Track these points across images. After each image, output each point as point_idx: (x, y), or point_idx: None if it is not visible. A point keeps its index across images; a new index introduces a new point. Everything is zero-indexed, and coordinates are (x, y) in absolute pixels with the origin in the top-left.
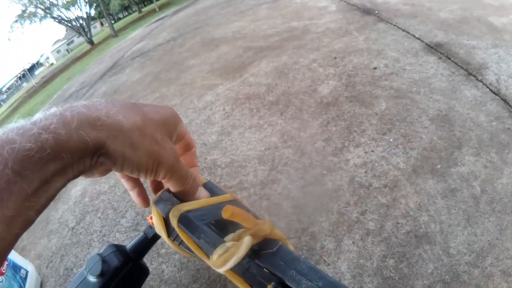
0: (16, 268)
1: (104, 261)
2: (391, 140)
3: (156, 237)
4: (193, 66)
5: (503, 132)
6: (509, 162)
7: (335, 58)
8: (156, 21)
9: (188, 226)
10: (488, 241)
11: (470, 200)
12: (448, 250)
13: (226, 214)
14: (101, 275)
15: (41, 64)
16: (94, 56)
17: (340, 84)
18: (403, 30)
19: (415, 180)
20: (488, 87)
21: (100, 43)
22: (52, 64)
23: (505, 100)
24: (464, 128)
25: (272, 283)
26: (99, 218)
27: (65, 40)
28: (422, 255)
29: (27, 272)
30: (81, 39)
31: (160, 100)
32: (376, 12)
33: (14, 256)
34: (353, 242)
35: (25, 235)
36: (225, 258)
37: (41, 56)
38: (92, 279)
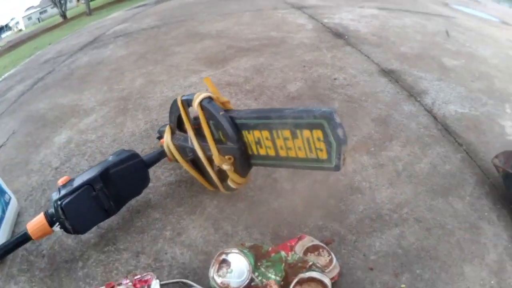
0: (2, 191)
1: (126, 150)
2: None
3: (163, 154)
4: (178, 53)
5: (427, 137)
6: (428, 155)
7: (304, 66)
8: (138, 7)
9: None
10: (405, 198)
11: (393, 172)
12: (374, 199)
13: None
14: (119, 154)
15: (10, 28)
16: (66, 30)
17: (305, 86)
18: (365, 55)
19: (353, 154)
20: (423, 106)
21: (72, 18)
22: (20, 30)
23: (434, 117)
24: (397, 129)
25: None
26: (86, 160)
27: (39, 8)
28: (355, 200)
29: (10, 198)
30: (55, 10)
31: (147, 75)
32: (346, 37)
33: (0, 181)
34: (304, 186)
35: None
36: None
37: (12, 19)
38: (111, 158)
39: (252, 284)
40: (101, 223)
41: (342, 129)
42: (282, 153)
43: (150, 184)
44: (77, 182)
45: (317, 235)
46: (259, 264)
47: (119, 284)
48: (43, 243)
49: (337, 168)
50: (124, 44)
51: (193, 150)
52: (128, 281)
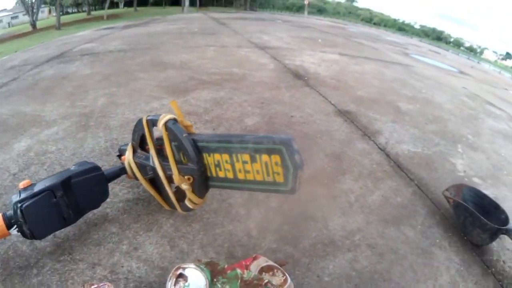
0: None
1: (88, 162)
2: None
3: (124, 171)
4: (142, 79)
5: (380, 172)
6: (380, 188)
7: (263, 103)
8: (106, 28)
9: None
10: (357, 227)
11: (346, 203)
12: (327, 227)
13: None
14: (81, 165)
15: None
16: (33, 40)
17: (262, 121)
18: (323, 96)
19: (308, 187)
20: (377, 145)
21: (41, 29)
22: None
23: (387, 155)
24: (350, 165)
25: None
26: (45, 170)
27: (11, 13)
28: (308, 226)
29: None
30: (26, 18)
31: (110, 96)
32: (306, 78)
33: None
34: (259, 212)
35: None
36: None
37: None
38: (73, 167)
39: None
40: (58, 233)
41: (299, 155)
42: (240, 176)
43: (108, 200)
44: (38, 187)
45: (271, 257)
46: (215, 280)
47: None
48: None
49: (292, 191)
50: (90, 63)
51: (153, 169)
52: None
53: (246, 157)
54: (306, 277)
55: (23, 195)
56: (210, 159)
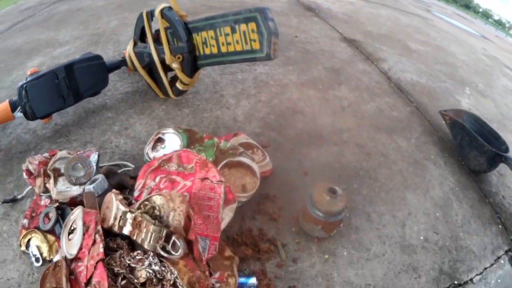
0: None
1: (91, 53)
2: (291, 68)
3: (124, 62)
4: (154, 5)
5: (378, 89)
6: (375, 101)
7: None
8: None
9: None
10: (347, 127)
11: (338, 106)
12: (315, 122)
13: None
14: (85, 55)
15: None
16: None
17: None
18: (331, 26)
19: (301, 88)
20: (379, 68)
21: None
22: None
23: (388, 78)
24: (347, 78)
25: None
26: None
27: None
28: (295, 119)
29: None
30: None
31: (122, 19)
32: (317, 11)
33: None
34: (248, 103)
35: None
36: None
37: None
38: (78, 56)
39: None
40: (59, 120)
41: (273, 23)
42: (223, 49)
43: (108, 92)
44: (43, 71)
45: (254, 139)
46: (192, 147)
47: (60, 150)
48: (2, 139)
49: (268, 56)
50: None
51: (150, 55)
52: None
53: (228, 29)
54: (287, 160)
55: (28, 79)
56: (198, 38)
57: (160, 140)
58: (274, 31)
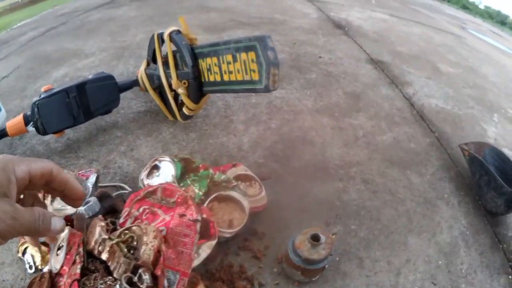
0: None
1: (104, 72)
2: (308, 93)
3: (136, 83)
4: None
5: (398, 117)
6: (393, 131)
7: (294, 43)
8: None
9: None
10: (357, 160)
11: (351, 137)
12: (324, 154)
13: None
14: (98, 74)
15: None
16: None
17: (288, 57)
18: (359, 45)
19: (315, 115)
20: (402, 93)
21: None
22: None
23: (411, 104)
24: (367, 105)
25: None
26: None
27: None
28: (304, 150)
29: (0, 109)
30: None
31: (150, 32)
32: (346, 29)
33: None
34: (257, 130)
35: None
36: None
37: None
38: (90, 76)
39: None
40: (72, 136)
41: (273, 52)
42: (226, 77)
43: (121, 111)
44: (56, 89)
45: (255, 170)
46: (187, 176)
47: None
48: (18, 148)
49: (266, 88)
50: (137, 7)
51: (159, 78)
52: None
53: (229, 57)
54: (286, 195)
55: (42, 96)
56: (204, 64)
57: (156, 167)
58: (273, 62)
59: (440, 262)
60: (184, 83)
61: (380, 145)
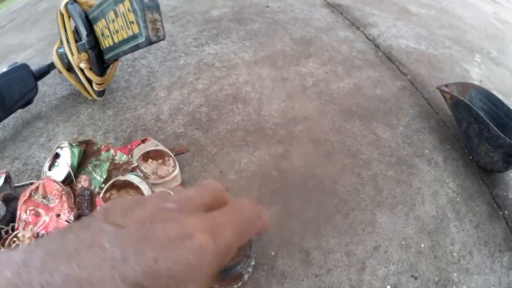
0: None
1: (18, 63)
2: (247, 44)
3: (52, 66)
4: None
5: (359, 60)
6: (353, 76)
7: None
8: None
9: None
10: (304, 115)
11: (298, 87)
12: (259, 111)
13: None
14: (10, 66)
15: None
16: None
17: (231, 11)
18: None
19: (253, 67)
20: (365, 35)
21: None
22: None
23: (376, 45)
24: (320, 50)
25: None
26: None
27: None
28: (234, 110)
29: None
30: None
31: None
32: None
33: None
34: (180, 94)
35: None
36: None
37: None
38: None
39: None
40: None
41: None
42: (115, 38)
43: (46, 98)
44: None
45: (172, 142)
46: (88, 161)
47: None
48: None
49: (147, 40)
50: None
51: (66, 55)
52: None
53: (112, 14)
54: (204, 170)
55: None
56: (98, 30)
57: (57, 155)
58: (148, 4)
59: (422, 245)
60: (84, 56)
61: (336, 94)
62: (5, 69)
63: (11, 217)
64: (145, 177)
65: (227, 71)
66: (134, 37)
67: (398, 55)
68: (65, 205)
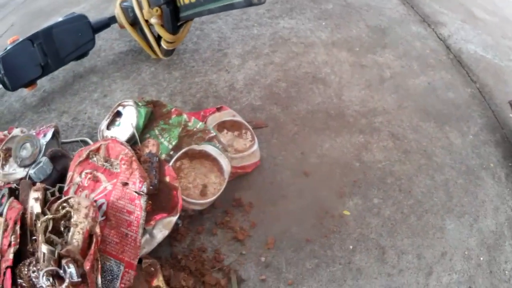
0: None
1: (76, 13)
2: (323, 23)
3: (113, 20)
4: None
5: (432, 59)
6: (428, 75)
7: None
8: None
9: None
10: (384, 107)
11: (377, 77)
12: (340, 96)
13: None
14: (67, 16)
15: None
16: None
17: None
18: None
19: (331, 48)
20: (436, 34)
21: None
22: None
23: (447, 47)
24: (395, 41)
25: None
26: None
27: None
28: (314, 89)
29: None
30: None
31: None
32: None
33: None
34: (256, 65)
35: None
36: None
37: None
38: (60, 18)
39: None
40: (47, 87)
41: None
42: None
43: (102, 53)
44: (21, 39)
45: (248, 115)
46: (155, 124)
47: (17, 127)
48: None
49: (248, 1)
50: None
51: (133, 10)
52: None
53: None
54: (285, 150)
55: (7, 48)
56: None
57: (118, 114)
58: None
59: (481, 259)
60: (157, 11)
61: (412, 91)
62: (60, 19)
63: (58, 177)
64: (225, 150)
65: (305, 48)
66: None
67: (468, 60)
68: (136, 173)
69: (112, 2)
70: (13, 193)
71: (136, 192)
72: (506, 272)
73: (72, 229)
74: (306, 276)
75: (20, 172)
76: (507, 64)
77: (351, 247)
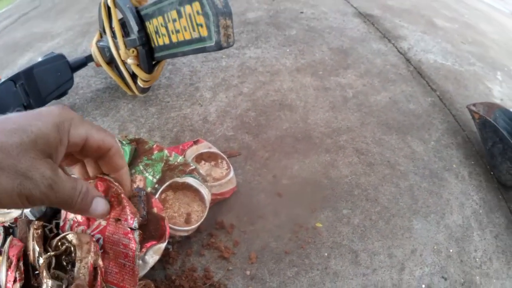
0: None
1: (54, 53)
2: (288, 50)
3: (90, 58)
4: None
5: (393, 74)
6: (388, 90)
7: (273, 0)
8: None
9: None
10: (347, 125)
11: (340, 98)
12: (306, 120)
13: None
14: (46, 56)
15: None
16: None
17: (266, 15)
18: (346, 0)
19: (296, 74)
20: (396, 48)
21: None
22: None
23: (407, 60)
24: (357, 61)
25: None
26: None
27: None
28: (281, 116)
29: None
30: None
31: None
32: None
33: None
34: (226, 97)
35: None
36: None
37: None
38: (40, 58)
39: None
40: None
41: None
42: (174, 38)
43: (80, 91)
44: (3, 79)
45: (222, 145)
46: (139, 161)
47: None
48: None
49: (218, 45)
50: None
51: (110, 49)
52: None
53: (174, 13)
54: (259, 175)
55: None
56: (151, 27)
57: None
58: (222, 10)
59: (451, 251)
60: (133, 52)
61: (374, 107)
62: (40, 59)
63: (53, 213)
64: (204, 180)
65: (271, 76)
66: (201, 39)
67: (428, 70)
68: (127, 210)
69: (86, 38)
70: (7, 231)
71: (130, 228)
72: (477, 259)
73: (77, 264)
74: (288, 283)
75: (16, 211)
76: (467, 68)
77: (326, 254)
